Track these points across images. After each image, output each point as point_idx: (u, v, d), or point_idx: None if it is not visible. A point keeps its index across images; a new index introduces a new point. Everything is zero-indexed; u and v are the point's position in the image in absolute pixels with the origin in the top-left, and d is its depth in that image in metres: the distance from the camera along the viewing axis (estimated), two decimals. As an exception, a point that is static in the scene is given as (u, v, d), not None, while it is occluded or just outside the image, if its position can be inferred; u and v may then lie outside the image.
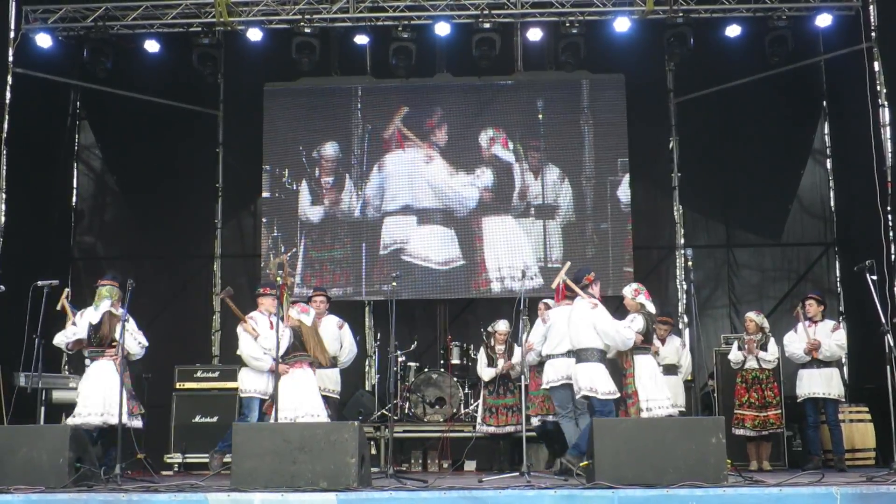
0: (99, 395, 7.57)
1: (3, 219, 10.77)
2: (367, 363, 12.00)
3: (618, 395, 7.40)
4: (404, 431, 9.91)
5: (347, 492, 5.72)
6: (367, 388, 11.50)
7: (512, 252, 11.98)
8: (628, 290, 8.09)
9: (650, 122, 12.39)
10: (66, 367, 11.35)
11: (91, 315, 7.76)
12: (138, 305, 8.45)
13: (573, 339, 7.58)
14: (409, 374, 10.64)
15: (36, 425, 7.75)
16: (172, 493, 5.80)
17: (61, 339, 7.86)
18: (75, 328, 7.77)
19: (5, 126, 10.65)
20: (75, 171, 12.68)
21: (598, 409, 7.29)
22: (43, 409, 8.37)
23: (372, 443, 9.46)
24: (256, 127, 12.31)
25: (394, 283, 8.34)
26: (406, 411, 10.28)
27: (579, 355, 7.49)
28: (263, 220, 12.25)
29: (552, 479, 6.98)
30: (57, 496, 5.82)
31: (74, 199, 12.65)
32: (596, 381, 7.32)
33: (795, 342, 8.78)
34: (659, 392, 7.85)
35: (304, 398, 7.82)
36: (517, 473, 6.96)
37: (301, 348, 8.02)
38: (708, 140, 12.41)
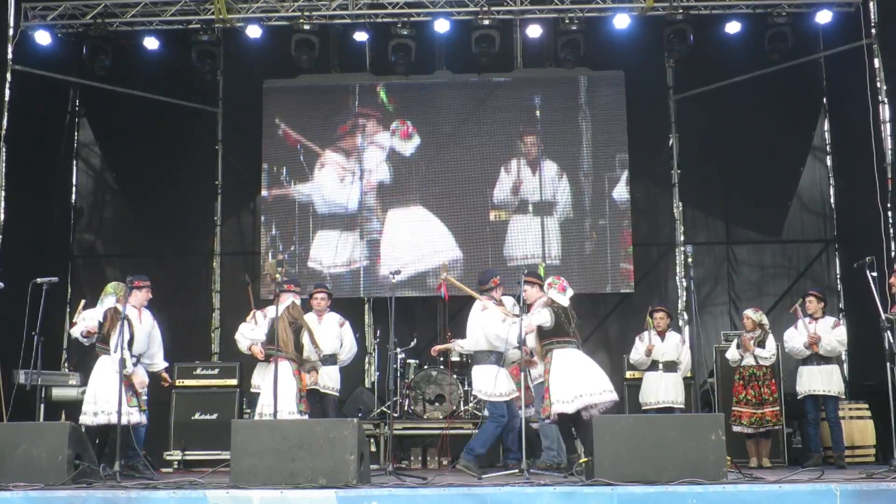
0: (97, 393, 7.53)
1: (2, 216, 10.75)
2: (366, 360, 11.99)
3: (509, 397, 7.61)
4: (404, 428, 9.89)
5: (346, 489, 5.72)
6: (366, 386, 11.48)
7: (511, 248, 11.98)
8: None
9: (650, 118, 12.38)
10: (66, 364, 11.37)
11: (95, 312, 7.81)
12: (139, 303, 8.46)
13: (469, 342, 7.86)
14: (409, 372, 10.61)
15: (35, 423, 7.75)
16: (172, 490, 5.79)
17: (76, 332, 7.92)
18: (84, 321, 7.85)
19: (4, 123, 10.65)
20: (75, 168, 12.67)
21: (490, 410, 7.72)
22: (42, 406, 8.37)
23: (371, 440, 9.45)
24: (256, 124, 12.30)
25: (394, 280, 8.31)
26: (405, 408, 10.26)
27: (474, 357, 7.84)
28: (262, 218, 12.25)
29: (552, 475, 6.97)
30: (56, 493, 5.81)
31: (74, 196, 12.64)
32: (484, 384, 7.65)
33: (795, 337, 8.77)
34: (568, 386, 7.25)
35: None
36: (517, 470, 6.94)
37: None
38: (707, 137, 12.39)
